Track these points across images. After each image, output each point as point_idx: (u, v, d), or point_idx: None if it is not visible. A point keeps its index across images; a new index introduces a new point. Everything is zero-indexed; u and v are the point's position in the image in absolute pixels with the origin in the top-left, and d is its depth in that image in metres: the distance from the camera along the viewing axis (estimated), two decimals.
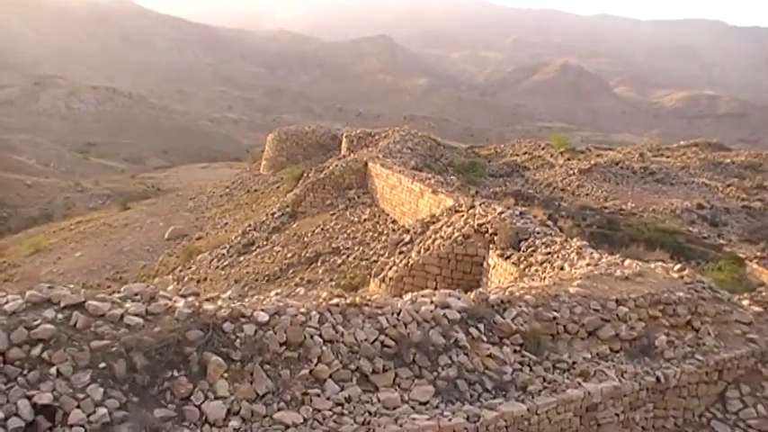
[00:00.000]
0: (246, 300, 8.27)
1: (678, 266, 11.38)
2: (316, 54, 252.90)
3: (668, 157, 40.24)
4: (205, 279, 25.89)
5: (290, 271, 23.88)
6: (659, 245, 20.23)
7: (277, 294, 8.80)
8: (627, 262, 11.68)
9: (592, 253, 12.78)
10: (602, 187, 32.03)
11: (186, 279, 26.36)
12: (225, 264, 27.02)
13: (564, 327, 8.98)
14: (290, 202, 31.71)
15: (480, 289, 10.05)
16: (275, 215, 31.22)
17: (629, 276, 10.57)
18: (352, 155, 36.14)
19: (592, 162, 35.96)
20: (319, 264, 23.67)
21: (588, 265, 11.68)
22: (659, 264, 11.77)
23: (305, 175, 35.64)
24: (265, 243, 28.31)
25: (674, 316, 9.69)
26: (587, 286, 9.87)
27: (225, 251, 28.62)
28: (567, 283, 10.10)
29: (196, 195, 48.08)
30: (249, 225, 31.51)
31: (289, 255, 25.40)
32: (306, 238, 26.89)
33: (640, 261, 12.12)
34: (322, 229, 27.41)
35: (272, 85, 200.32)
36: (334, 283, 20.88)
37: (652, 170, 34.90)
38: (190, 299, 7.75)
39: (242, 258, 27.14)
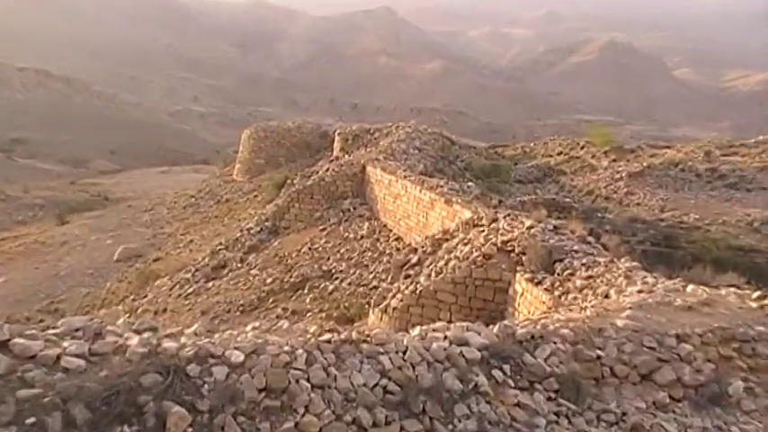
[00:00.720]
0: (216, 336, 8.23)
1: (757, 294, 11.31)
2: (302, 32, 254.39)
3: (743, 155, 40.05)
4: (164, 310, 25.81)
5: (271, 300, 23.82)
6: (731, 266, 20.15)
7: (254, 329, 8.78)
8: (690, 288, 11.63)
9: (645, 276, 12.74)
10: (657, 195, 32.04)
11: (141, 310, 26.27)
12: (189, 291, 26.97)
13: (610, 369, 8.93)
14: (271, 214, 31.74)
15: (506, 321, 10.01)
16: (252, 231, 31.24)
17: (694, 306, 10.53)
18: (346, 157, 36.22)
19: (644, 163, 36.03)
20: (306, 291, 23.62)
21: (640, 291, 11.63)
22: (732, 290, 11.70)
23: (288, 181, 35.73)
24: (240, 265, 28.28)
25: (754, 356, 9.62)
26: (639, 318, 9.84)
27: (189, 276, 28.57)
28: (613, 313, 10.06)
29: (153, 207, 48.17)
30: (220, 243, 31.52)
31: (269, 280, 25.35)
32: (290, 260, 26.84)
33: (707, 287, 12.07)
34: (310, 248, 27.38)
35: (247, 71, 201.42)
36: (324, 314, 20.80)
37: (722, 172, 34.85)
38: (145, 335, 7.73)
39: (210, 284, 27.09)
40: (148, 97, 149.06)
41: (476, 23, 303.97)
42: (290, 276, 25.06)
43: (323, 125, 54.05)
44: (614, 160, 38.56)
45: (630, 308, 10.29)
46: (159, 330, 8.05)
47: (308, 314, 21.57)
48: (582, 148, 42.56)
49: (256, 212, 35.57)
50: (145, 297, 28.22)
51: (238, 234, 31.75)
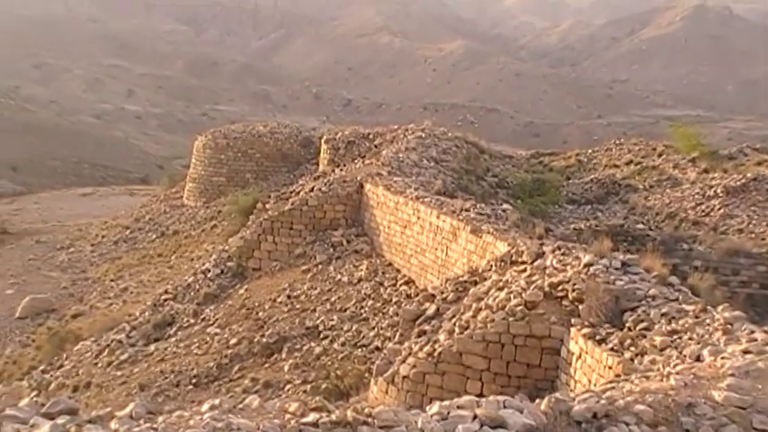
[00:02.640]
0: (161, 419, 8.21)
1: None
2: (275, 2, 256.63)
3: None
4: (88, 385, 25.69)
5: (236, 368, 23.79)
6: None
7: (214, 408, 8.75)
8: None
9: (752, 331, 12.68)
10: (767, 217, 32.03)
11: (54, 386, 26.14)
12: (123, 358, 26.88)
13: None
14: (235, 251, 31.82)
15: (557, 394, 9.96)
16: (209, 274, 31.30)
17: None
18: (337, 171, 36.34)
19: (748, 174, 36.01)
20: (285, 355, 23.59)
21: (746, 352, 11.56)
22: None
23: (259, 206, 35.80)
24: (192, 321, 28.28)
25: None
26: (746, 389, 9.77)
27: (123, 337, 28.51)
28: (709, 382, 10.00)
29: (72, 243, 48.27)
30: (165, 292, 31.55)
31: (233, 340, 25.33)
32: (261, 312, 26.82)
33: None
34: (288, 297, 27.37)
35: (200, 56, 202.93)
36: (309, 386, 20.76)
37: None
38: (60, 421, 7.70)
39: (153, 348, 27.06)
40: (64, 92, 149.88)
41: None
42: (263, 335, 25.00)
43: (304, 129, 54.27)
44: (706, 171, 38.60)
45: (733, 374, 10.23)
46: (80, 413, 8.01)
47: (287, 387, 21.52)
48: (660, 155, 42.62)
49: (215, 249, 35.61)
50: (60, 367, 28.05)
51: (191, 279, 31.75)
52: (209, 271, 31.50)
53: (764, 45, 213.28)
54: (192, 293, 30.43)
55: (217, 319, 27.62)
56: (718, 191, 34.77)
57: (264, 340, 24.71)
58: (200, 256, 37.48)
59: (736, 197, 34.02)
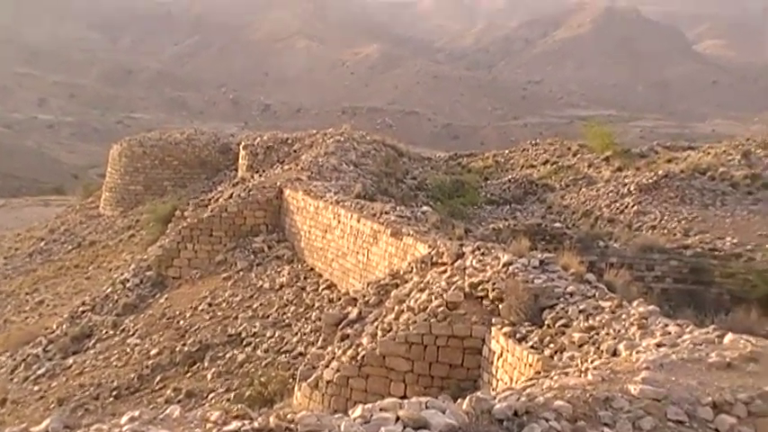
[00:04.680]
0: None
1: None
2: (188, 7, 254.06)
3: None
4: (3, 401, 25.20)
5: (158, 378, 23.59)
6: None
7: (132, 420, 8.63)
8: (728, 338, 11.80)
9: (665, 325, 12.91)
10: (678, 213, 32.64)
11: None
12: (40, 373, 26.44)
13: None
14: (154, 260, 31.49)
15: (479, 393, 10.03)
16: (128, 284, 30.93)
17: (734, 362, 10.67)
18: (256, 177, 36.17)
19: (660, 172, 36.69)
20: (207, 363, 23.45)
21: (660, 345, 11.78)
22: None
23: (177, 213, 35.44)
24: (112, 333, 27.91)
25: None
26: (661, 381, 9.95)
27: (39, 351, 28.05)
28: (625, 376, 10.16)
29: None
30: (83, 303, 31.05)
31: (153, 351, 25.11)
32: (182, 321, 26.62)
33: (752, 336, 12.28)
34: (210, 305, 27.19)
35: (114, 63, 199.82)
36: (233, 394, 20.71)
37: (766, 180, 35.62)
38: None
39: (71, 361, 26.64)
40: None
41: None
42: (184, 344, 24.82)
43: (223, 135, 53.90)
44: (619, 169, 39.25)
45: (648, 368, 10.41)
46: None
47: (211, 395, 21.43)
48: (575, 154, 43.25)
49: (134, 258, 35.16)
50: None
51: (109, 289, 31.30)
52: (128, 281, 31.11)
53: (671, 46, 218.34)
54: (111, 304, 30.03)
55: (137, 330, 27.31)
56: (632, 188, 35.39)
57: (186, 349, 24.53)
58: (119, 266, 36.93)
59: (648, 194, 34.65)
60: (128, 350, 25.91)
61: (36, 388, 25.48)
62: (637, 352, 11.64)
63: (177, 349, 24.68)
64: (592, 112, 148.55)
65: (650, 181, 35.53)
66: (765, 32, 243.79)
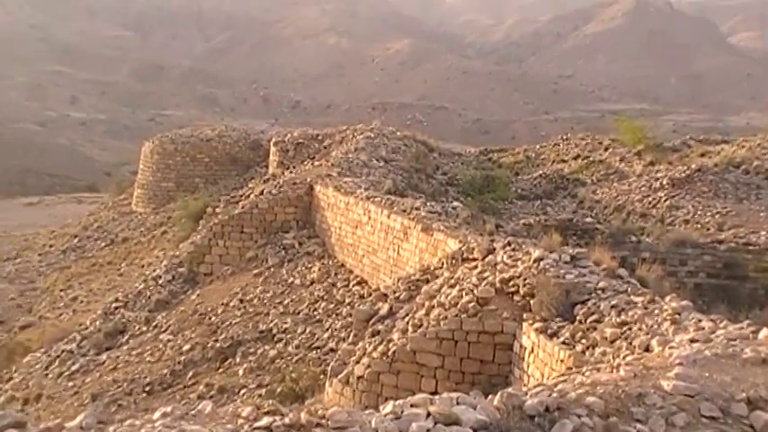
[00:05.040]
0: (112, 429, 8.14)
1: None
2: (219, 4, 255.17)
3: None
4: (38, 397, 25.44)
5: (190, 374, 23.72)
6: None
7: (165, 416, 8.69)
8: (763, 333, 11.71)
9: (699, 320, 12.84)
10: (712, 208, 32.41)
11: (4, 399, 25.86)
12: (74, 369, 26.64)
13: None
14: (186, 257, 31.69)
15: (510, 389, 10.02)
16: (160, 281, 31.14)
17: None
18: (286, 174, 36.25)
19: (693, 166, 36.45)
20: (239, 359, 23.55)
21: (694, 341, 11.70)
22: None
23: (209, 210, 35.63)
24: (145, 329, 28.11)
25: None
26: (694, 377, 9.89)
27: (74, 347, 28.27)
28: (658, 372, 10.10)
29: (18, 253, 47.63)
30: (116, 300, 31.28)
31: (186, 347, 25.24)
32: (214, 317, 26.74)
33: None
34: (241, 301, 27.32)
35: (145, 60, 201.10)
36: (264, 390, 20.73)
37: None
38: None
39: (104, 357, 26.84)
40: (6, 100, 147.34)
41: None
42: (216, 340, 24.94)
43: (253, 132, 54.12)
44: (651, 163, 39.02)
45: (681, 363, 10.35)
46: (28, 426, 7.91)
47: (242, 391, 21.50)
48: (606, 148, 43.04)
49: (166, 255, 35.39)
50: (9, 380, 27.81)
51: (141, 286, 31.52)
52: (161, 277, 31.33)
53: (704, 38, 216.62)
54: (144, 301, 30.24)
55: (169, 326, 27.47)
56: (664, 183, 35.18)
57: (218, 345, 24.63)
58: (151, 262, 37.19)
59: (681, 188, 34.44)
60: (160, 346, 26.08)
61: (70, 384, 25.68)
62: (670, 347, 11.57)
63: (209, 345, 24.79)
64: (623, 106, 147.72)
65: (683, 175, 35.30)
66: None
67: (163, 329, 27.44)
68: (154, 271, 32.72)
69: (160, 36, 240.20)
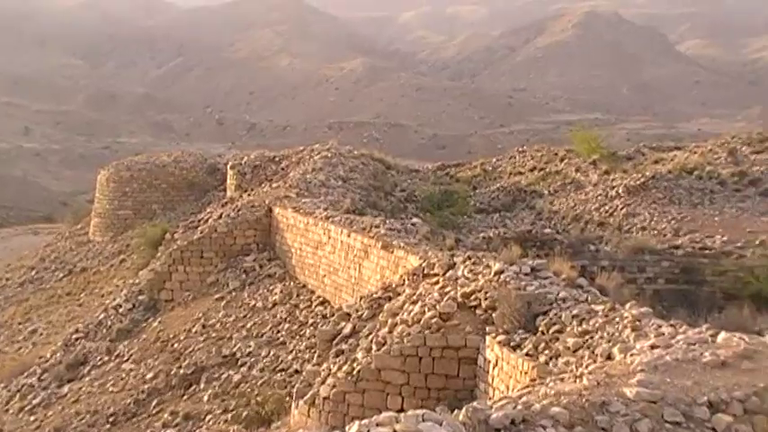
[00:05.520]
0: None
1: None
2: (170, 30, 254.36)
3: None
4: None
5: (154, 402, 23.60)
6: None
7: None
8: (722, 336, 11.83)
9: (659, 326, 12.95)
10: (667, 214, 32.74)
11: None
12: (35, 402, 26.43)
13: None
14: (146, 284, 31.48)
15: (475, 403, 10.04)
16: (121, 310, 30.93)
17: (729, 361, 10.69)
18: (245, 196, 36.16)
19: (647, 173, 36.81)
20: (203, 385, 23.46)
21: (654, 347, 11.79)
22: None
23: (168, 236, 35.43)
24: (106, 359, 27.92)
25: None
26: (656, 383, 9.96)
27: (34, 380, 28.04)
28: (620, 380, 10.17)
29: None
30: (76, 330, 31.05)
31: (149, 375, 25.11)
32: (177, 344, 26.61)
33: (746, 333, 12.31)
34: (203, 326, 27.19)
35: (98, 88, 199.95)
36: (230, 415, 20.67)
37: (754, 176, 35.68)
38: None
39: (66, 390, 26.64)
40: None
41: (410, 4, 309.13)
42: (180, 367, 24.83)
43: (210, 156, 53.91)
44: (606, 172, 39.33)
45: (643, 370, 10.43)
46: None
47: (209, 417, 21.42)
48: (562, 159, 43.33)
49: (125, 283, 35.11)
50: None
51: (102, 315, 31.29)
52: (121, 306, 31.09)
53: (653, 47, 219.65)
54: (105, 330, 30.04)
55: (131, 355, 27.30)
56: (620, 191, 35.51)
57: (182, 372, 24.52)
58: (111, 291, 36.85)
59: (637, 196, 34.77)
60: (123, 375, 25.91)
61: (32, 418, 25.46)
62: (631, 355, 11.67)
63: (173, 372, 24.65)
64: (577, 117, 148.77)
65: (638, 183, 35.66)
66: (745, 29, 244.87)
67: (125, 359, 27.25)
68: (114, 300, 32.45)
69: (111, 64, 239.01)
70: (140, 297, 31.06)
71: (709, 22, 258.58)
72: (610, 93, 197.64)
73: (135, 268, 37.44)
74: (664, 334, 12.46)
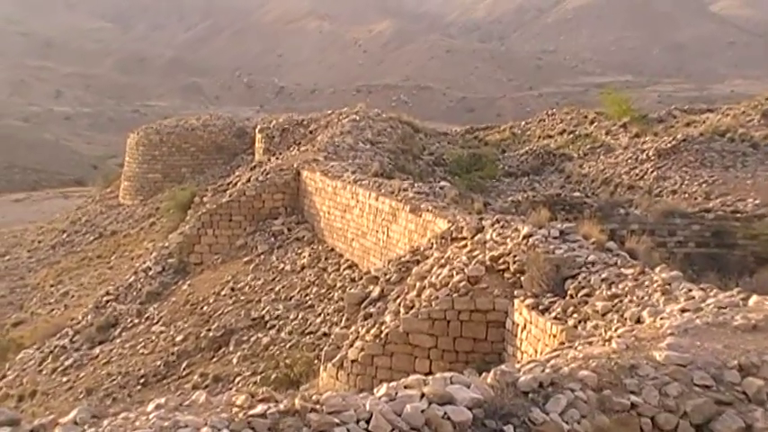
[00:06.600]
0: (106, 423, 8.12)
1: None
2: None
3: None
4: (33, 393, 25.46)
5: (184, 364, 23.80)
6: None
7: (159, 407, 8.67)
8: (753, 300, 11.77)
9: (689, 290, 12.88)
10: (699, 177, 32.51)
11: None
12: (68, 364, 26.68)
13: (651, 420, 8.93)
14: (175, 247, 31.70)
15: (503, 366, 10.03)
16: (151, 272, 31.16)
17: (759, 324, 10.63)
18: (273, 160, 36.24)
19: (678, 136, 36.53)
20: (232, 347, 23.62)
21: (684, 310, 11.74)
22: None
23: (197, 200, 35.62)
24: (137, 321, 28.18)
25: None
26: (686, 347, 9.92)
27: (66, 342, 28.30)
28: (649, 343, 10.13)
29: (8, 250, 47.55)
30: (107, 293, 31.31)
31: (179, 337, 25.32)
32: (206, 307, 26.81)
33: None
34: (232, 290, 27.38)
35: (127, 51, 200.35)
36: (259, 377, 20.79)
37: None
38: (4, 431, 7.59)
39: (97, 351, 26.90)
40: None
41: None
42: (209, 330, 24.99)
43: (238, 120, 54.04)
44: (637, 135, 39.10)
45: (672, 333, 10.40)
46: (23, 423, 7.89)
47: (238, 379, 21.58)
48: (592, 122, 43.12)
49: (155, 246, 35.37)
50: (3, 377, 27.80)
51: (132, 278, 31.55)
52: (151, 269, 31.33)
53: (686, 8, 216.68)
54: (135, 293, 30.27)
55: (161, 317, 27.55)
56: (650, 154, 35.28)
57: (211, 334, 24.68)
58: (141, 254, 37.15)
59: (667, 159, 34.54)
60: (153, 338, 26.16)
61: (64, 379, 25.74)
62: (661, 318, 11.62)
63: (202, 335, 24.86)
64: (608, 79, 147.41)
65: (669, 146, 35.40)
66: None
67: (155, 321, 27.52)
68: (144, 263, 32.69)
69: (141, 27, 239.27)
70: (170, 260, 31.28)
71: None
72: (641, 54, 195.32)
73: (164, 231, 37.68)
74: (694, 298, 12.39)
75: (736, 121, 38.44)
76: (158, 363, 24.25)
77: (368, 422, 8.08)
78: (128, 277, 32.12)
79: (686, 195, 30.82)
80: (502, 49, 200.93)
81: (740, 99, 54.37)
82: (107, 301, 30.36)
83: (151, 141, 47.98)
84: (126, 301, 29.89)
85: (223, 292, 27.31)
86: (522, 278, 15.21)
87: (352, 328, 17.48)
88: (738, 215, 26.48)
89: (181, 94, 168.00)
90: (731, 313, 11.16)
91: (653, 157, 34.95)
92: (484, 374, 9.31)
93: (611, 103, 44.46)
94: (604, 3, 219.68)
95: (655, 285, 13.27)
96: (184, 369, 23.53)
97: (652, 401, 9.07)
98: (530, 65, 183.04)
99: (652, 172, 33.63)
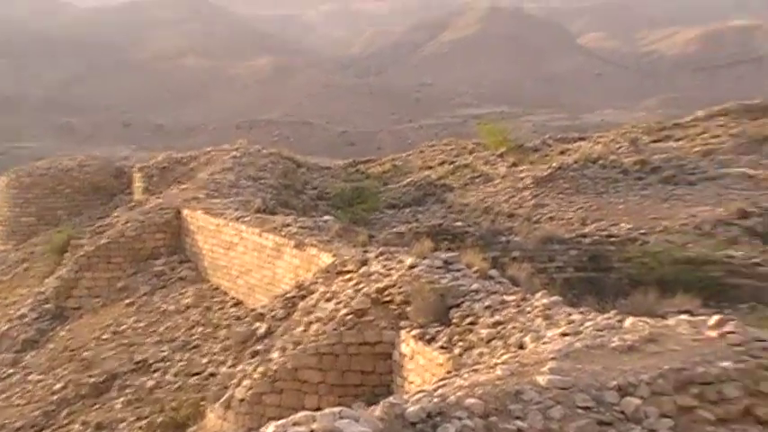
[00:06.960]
0: None
1: (715, 318, 11.74)
2: (68, 31, 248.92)
3: (679, 139, 41.96)
4: None
5: (64, 413, 23.11)
6: (681, 285, 21.11)
7: None
8: (628, 321, 12.10)
9: (569, 314, 13.20)
10: (574, 203, 33.27)
11: None
12: None
13: None
14: (52, 292, 30.79)
15: (391, 398, 10.09)
16: (26, 319, 30.18)
17: (636, 345, 10.93)
18: (153, 199, 35.66)
19: (553, 164, 37.40)
20: (115, 393, 23.07)
21: (564, 334, 12.02)
22: (683, 317, 12.16)
23: (73, 242, 34.74)
24: (12, 371, 27.22)
25: (721, 402, 9.96)
26: (567, 370, 10.13)
27: None
28: (532, 368, 10.32)
29: None
30: None
31: (58, 385, 24.56)
32: (86, 352, 26.07)
33: (650, 317, 12.60)
34: (114, 333, 26.74)
35: None
36: (145, 422, 20.43)
37: (654, 164, 36.44)
38: None
39: None
40: None
41: (312, 1, 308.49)
42: (90, 376, 24.35)
43: (116, 159, 53.10)
44: (514, 164, 39.82)
45: (553, 358, 10.62)
46: None
47: (122, 425, 21.09)
48: (471, 152, 43.74)
49: (30, 292, 34.24)
50: None
51: (6, 326, 30.45)
52: (26, 316, 30.30)
53: (555, 40, 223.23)
54: (10, 342, 29.22)
55: (39, 366, 26.66)
56: (528, 182, 36.01)
57: (92, 380, 24.03)
58: (15, 301, 35.82)
59: (544, 186, 35.30)
60: (30, 387, 25.25)
61: None
62: (543, 343, 11.88)
63: (83, 381, 24.15)
64: (484, 110, 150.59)
65: (545, 174, 36.21)
66: (636, 23, 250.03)
67: (32, 370, 26.57)
68: (18, 310, 31.61)
69: (8, 67, 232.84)
70: (46, 306, 30.33)
71: (607, 15, 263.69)
72: (515, 86, 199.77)
73: (40, 276, 36.53)
74: (573, 321, 12.71)
75: (607, 148, 39.63)
76: (36, 413, 23.43)
77: None
78: (1, 325, 31.02)
79: (563, 221, 31.50)
80: (379, 83, 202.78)
81: (610, 127, 56.13)
82: None
83: (23, 184, 46.55)
84: (0, 351, 28.89)
85: (104, 336, 26.65)
86: (408, 309, 15.33)
87: (239, 366, 17.34)
88: (613, 239, 27.25)
89: (53, 134, 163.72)
90: (609, 335, 11.46)
91: (530, 185, 35.67)
92: (372, 407, 9.33)
93: (487, 134, 45.23)
94: (479, 37, 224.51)
95: (536, 311, 13.58)
96: (64, 418, 22.78)
97: (537, 425, 9.23)
98: (408, 98, 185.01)
99: (530, 200, 34.30)
